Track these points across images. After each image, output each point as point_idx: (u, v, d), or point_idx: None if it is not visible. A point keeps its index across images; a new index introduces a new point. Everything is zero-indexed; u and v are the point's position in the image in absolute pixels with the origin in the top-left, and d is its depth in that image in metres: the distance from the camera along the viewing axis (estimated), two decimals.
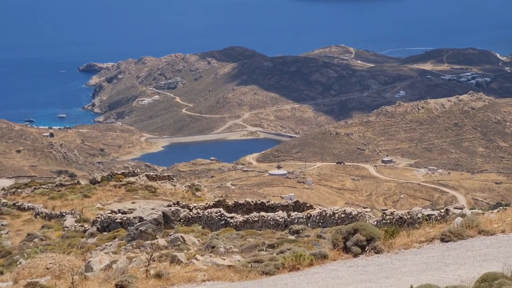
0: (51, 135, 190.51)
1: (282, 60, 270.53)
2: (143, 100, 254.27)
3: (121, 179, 46.64)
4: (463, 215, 17.80)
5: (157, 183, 48.30)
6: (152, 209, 30.70)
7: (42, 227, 34.91)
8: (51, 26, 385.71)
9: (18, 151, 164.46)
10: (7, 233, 35.62)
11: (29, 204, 40.99)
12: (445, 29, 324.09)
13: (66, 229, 33.01)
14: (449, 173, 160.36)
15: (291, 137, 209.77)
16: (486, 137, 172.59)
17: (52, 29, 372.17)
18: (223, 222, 29.85)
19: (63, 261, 20.86)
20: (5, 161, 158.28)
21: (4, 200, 42.76)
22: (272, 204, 33.94)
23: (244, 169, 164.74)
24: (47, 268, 18.67)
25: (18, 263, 23.48)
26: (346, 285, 11.71)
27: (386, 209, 30.35)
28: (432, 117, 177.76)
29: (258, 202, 34.47)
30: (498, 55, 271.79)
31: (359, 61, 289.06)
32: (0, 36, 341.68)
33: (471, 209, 25.20)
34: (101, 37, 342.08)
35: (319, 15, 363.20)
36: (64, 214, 36.95)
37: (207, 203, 34.89)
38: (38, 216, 38.45)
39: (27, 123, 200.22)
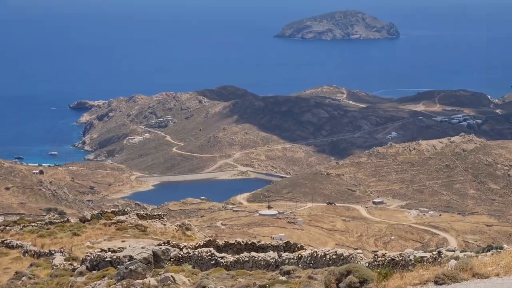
0: (41, 172, 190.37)
1: (273, 100, 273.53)
2: (134, 138, 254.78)
3: (111, 218, 46.45)
4: (456, 258, 17.92)
5: (147, 222, 48.28)
6: (142, 248, 30.80)
7: (31, 265, 34.62)
8: (43, 64, 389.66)
9: (7, 189, 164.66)
10: None
11: (18, 242, 40.75)
12: (438, 70, 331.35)
13: (55, 267, 32.79)
14: (440, 215, 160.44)
15: (281, 177, 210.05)
16: (477, 179, 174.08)
17: (43, 67, 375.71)
18: (213, 262, 29.94)
19: None
20: None
21: None
22: (262, 245, 34.19)
23: (234, 209, 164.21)
24: None
25: None
26: None
27: (377, 251, 30.71)
28: (423, 159, 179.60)
29: (249, 242, 34.54)
30: (489, 97, 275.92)
31: (351, 102, 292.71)
32: None
33: (462, 251, 25.56)
34: (92, 75, 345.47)
35: (312, 54, 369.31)
36: (53, 252, 36.81)
37: (197, 243, 34.84)
38: (26, 254, 38.23)
39: (16, 160, 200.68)
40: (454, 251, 22.73)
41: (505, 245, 25.18)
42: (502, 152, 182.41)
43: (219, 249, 33.14)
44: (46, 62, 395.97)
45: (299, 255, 28.75)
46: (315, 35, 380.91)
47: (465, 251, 25.85)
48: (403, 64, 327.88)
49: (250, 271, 27.85)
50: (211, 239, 37.76)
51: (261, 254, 29.66)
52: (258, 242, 36.13)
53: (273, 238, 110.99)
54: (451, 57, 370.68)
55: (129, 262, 28.24)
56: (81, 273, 30.59)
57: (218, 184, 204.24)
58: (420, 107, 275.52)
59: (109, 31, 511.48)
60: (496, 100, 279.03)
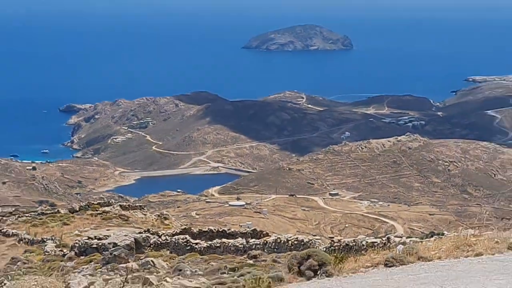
0: (34, 168, 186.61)
1: (242, 104, 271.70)
2: (117, 138, 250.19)
3: (97, 209, 46.04)
4: (403, 243, 18.75)
5: (129, 212, 47.81)
6: (125, 235, 30.81)
7: (25, 251, 34.52)
8: (35, 70, 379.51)
9: (4, 183, 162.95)
10: None
11: (13, 231, 40.31)
12: (386, 77, 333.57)
13: (46, 253, 32.73)
14: (388, 205, 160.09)
15: (249, 172, 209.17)
16: (421, 174, 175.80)
17: (36, 73, 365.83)
18: (188, 247, 29.97)
19: (45, 283, 20.62)
20: None
21: None
22: (232, 232, 34.37)
23: (207, 200, 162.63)
24: None
25: (2, 284, 23.11)
26: None
27: (333, 237, 30.96)
28: (373, 155, 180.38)
29: (220, 230, 34.80)
30: (432, 101, 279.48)
31: (310, 105, 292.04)
32: None
33: (408, 237, 26.01)
34: (81, 81, 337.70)
35: (275, 63, 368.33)
36: (45, 240, 36.54)
37: (174, 231, 34.88)
38: (21, 241, 37.92)
39: (12, 157, 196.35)
40: (401, 237, 24.75)
41: (445, 232, 26.20)
42: (443, 150, 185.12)
43: (194, 236, 33.04)
44: (39, 68, 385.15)
45: (265, 241, 29.20)
46: (278, 46, 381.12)
47: (411, 237, 26.32)
48: (356, 72, 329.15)
49: (221, 255, 27.94)
50: (187, 227, 37.80)
51: (231, 241, 29.91)
52: (228, 230, 36.52)
53: (241, 226, 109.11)
54: (399, 66, 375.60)
55: (114, 248, 27.69)
56: (70, 258, 30.20)
57: (192, 179, 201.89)
58: (370, 110, 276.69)
59: (95, 41, 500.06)
60: (438, 103, 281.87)
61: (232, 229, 36.42)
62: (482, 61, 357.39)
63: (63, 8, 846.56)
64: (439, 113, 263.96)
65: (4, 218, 45.88)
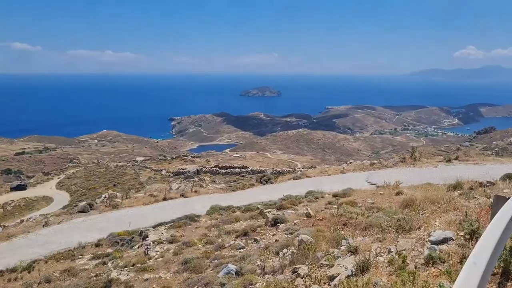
0: (157, 142, 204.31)
1: (238, 117, 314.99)
2: (190, 130, 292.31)
3: (182, 157, 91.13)
4: (300, 171, 31.46)
5: (195, 158, 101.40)
6: (193, 168, 53.69)
7: (154, 174, 54.22)
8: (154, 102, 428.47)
9: (146, 147, 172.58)
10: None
11: (148, 166, 61.12)
12: (301, 108, 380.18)
13: (162, 174, 52.12)
14: (295, 156, 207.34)
15: (241, 143, 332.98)
16: (308, 145, 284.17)
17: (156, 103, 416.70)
18: (217, 173, 47.16)
19: (162, 186, 34.69)
20: None
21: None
22: (233, 166, 52.28)
23: (224, 154, 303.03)
24: (156, 189, 32.05)
25: (147, 186, 41.44)
26: (261, 194, 22.53)
27: (273, 168, 50.53)
28: (289, 137, 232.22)
29: (229, 166, 52.12)
30: (312, 115, 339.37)
31: (267, 117, 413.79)
32: None
33: (303, 168, 38.03)
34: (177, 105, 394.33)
35: (251, 101, 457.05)
36: (161, 169, 55.55)
37: (212, 166, 53.50)
38: (152, 170, 57.01)
39: (149, 137, 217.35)
40: (301, 169, 38.20)
41: (317, 166, 39.45)
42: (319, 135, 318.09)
43: (220, 167, 59.49)
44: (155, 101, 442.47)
45: (247, 170, 47.16)
46: (252, 94, 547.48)
47: (302, 169, 38.63)
48: (283, 107, 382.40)
49: (230, 176, 45.55)
50: (217, 165, 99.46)
51: (234, 169, 49.33)
52: (231, 166, 72.44)
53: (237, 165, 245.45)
54: (309, 101, 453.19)
55: (189, 172, 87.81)
56: (172, 176, 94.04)
57: (220, 146, 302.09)
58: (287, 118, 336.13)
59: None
60: (315, 116, 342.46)
61: (234, 165, 54.53)
62: None
63: None
64: (315, 120, 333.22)
65: (146, 161, 67.86)
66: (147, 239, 16.12)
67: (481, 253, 3.35)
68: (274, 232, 13.19)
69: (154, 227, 18.59)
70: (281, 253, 10.04)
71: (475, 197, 8.91)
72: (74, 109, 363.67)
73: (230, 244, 12.98)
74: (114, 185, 52.80)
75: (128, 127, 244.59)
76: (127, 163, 72.77)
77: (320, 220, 12.62)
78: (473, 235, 5.89)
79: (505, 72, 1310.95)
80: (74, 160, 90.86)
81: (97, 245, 18.15)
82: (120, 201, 27.10)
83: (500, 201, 5.20)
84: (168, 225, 18.41)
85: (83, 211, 25.12)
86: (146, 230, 17.81)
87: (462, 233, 6.25)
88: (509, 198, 5.13)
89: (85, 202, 28.09)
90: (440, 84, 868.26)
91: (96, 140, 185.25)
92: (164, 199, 25.83)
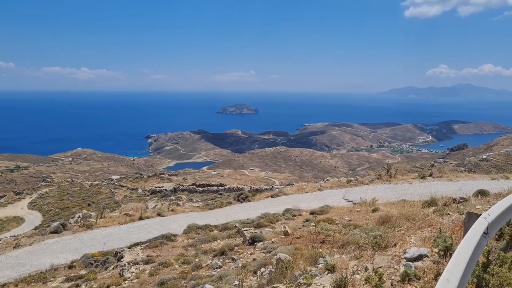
0: (133, 159, 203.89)
1: (216, 134, 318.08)
2: (167, 147, 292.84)
3: (158, 175, 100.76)
4: (278, 188, 31.79)
5: (171, 176, 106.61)
6: (169, 186, 49.14)
7: (130, 192, 52.36)
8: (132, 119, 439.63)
9: (122, 166, 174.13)
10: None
11: (124, 184, 58.69)
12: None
13: (138, 193, 50.86)
14: (272, 173, 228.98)
15: (219, 160, 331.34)
16: (286, 162, 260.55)
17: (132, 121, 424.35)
18: (194, 190, 45.90)
19: (138, 205, 34.34)
20: None
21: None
22: (211, 184, 50.28)
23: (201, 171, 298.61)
24: (132, 208, 31.32)
25: (122, 205, 40.12)
26: (238, 212, 22.61)
27: (251, 186, 48.60)
28: (267, 154, 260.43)
29: (206, 183, 50.21)
30: (289, 133, 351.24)
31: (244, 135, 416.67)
32: None
33: (278, 186, 38.65)
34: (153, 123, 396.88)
35: (227, 118, 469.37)
36: (137, 188, 54.31)
37: (189, 184, 50.71)
38: (128, 189, 55.21)
39: (125, 155, 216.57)
40: (278, 186, 40.03)
41: (295, 183, 37.82)
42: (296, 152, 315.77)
43: (197, 186, 74.99)
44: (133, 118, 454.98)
45: (224, 188, 46.06)
46: (230, 111, 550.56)
47: (281, 186, 38.85)
48: (260, 125, 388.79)
49: (208, 194, 43.43)
50: (195, 183, 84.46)
51: (211, 187, 47.08)
52: (209, 183, 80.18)
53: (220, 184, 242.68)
54: (286, 118, 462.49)
55: (165, 190, 76.82)
56: (148, 195, 74.46)
57: (198, 164, 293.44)
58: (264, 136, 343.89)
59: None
60: (293, 133, 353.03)
61: (212, 183, 52.66)
62: None
63: None
64: (292, 138, 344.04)
65: (121, 180, 66.90)
66: (122, 259, 15.81)
67: (454, 270, 3.41)
68: (252, 251, 13.12)
69: (129, 247, 18.25)
70: (258, 272, 9.98)
71: (449, 214, 9.09)
72: (48, 127, 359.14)
73: (207, 264, 12.84)
74: (89, 205, 51.81)
75: (104, 145, 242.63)
76: (102, 181, 71.62)
77: (298, 238, 12.63)
78: (447, 252, 5.99)
79: (476, 90, 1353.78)
80: (47, 179, 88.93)
81: (70, 266, 17.70)
82: (95, 220, 26.60)
83: (472, 218, 5.31)
84: (144, 245, 18.12)
85: (56, 231, 24.53)
86: (121, 250, 17.46)
87: (436, 250, 6.34)
88: (480, 215, 5.25)
89: (58, 222, 27.41)
90: (415, 101, 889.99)
91: (70, 158, 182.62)
92: (140, 218, 25.47)
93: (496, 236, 6.53)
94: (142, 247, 17.63)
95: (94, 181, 77.83)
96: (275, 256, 9.91)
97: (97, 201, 54.24)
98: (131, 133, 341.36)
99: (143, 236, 20.30)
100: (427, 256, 6.26)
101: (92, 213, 31.50)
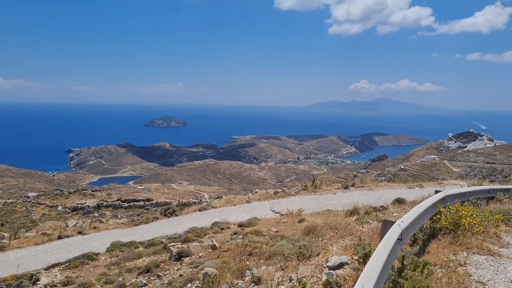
0: (53, 175, 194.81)
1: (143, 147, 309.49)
2: (90, 162, 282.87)
3: (81, 191, 69.63)
4: (206, 201, 31.85)
5: (95, 192, 65.13)
6: (93, 202, 47.79)
7: (49, 210, 49.72)
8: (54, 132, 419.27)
9: (40, 182, 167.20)
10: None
11: (43, 202, 54.49)
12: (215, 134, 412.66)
13: (58, 210, 48.42)
14: (202, 186, 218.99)
15: (146, 174, 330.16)
16: (215, 174, 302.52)
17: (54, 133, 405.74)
18: (119, 206, 44.78)
19: (57, 223, 33.83)
20: None
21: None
22: (138, 199, 50.58)
23: (127, 186, 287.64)
24: (50, 227, 31.93)
25: (40, 224, 38.80)
26: (165, 227, 22.37)
27: (179, 200, 48.91)
28: (196, 167, 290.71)
29: (132, 199, 50.92)
30: (219, 146, 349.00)
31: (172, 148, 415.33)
32: None
33: (210, 199, 37.74)
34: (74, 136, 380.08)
35: (155, 131, 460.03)
36: (57, 205, 51.26)
37: (114, 200, 50.39)
38: (47, 206, 52.29)
39: (43, 171, 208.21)
40: (207, 200, 39.93)
41: (224, 196, 38.92)
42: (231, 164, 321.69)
43: (122, 201, 50.61)
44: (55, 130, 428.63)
45: (151, 203, 47.18)
46: (158, 124, 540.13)
47: (208, 200, 39.75)
48: (189, 138, 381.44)
49: (134, 209, 44.52)
50: (120, 198, 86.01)
51: (137, 203, 46.98)
52: (135, 198, 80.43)
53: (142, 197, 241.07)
54: (215, 131, 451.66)
55: (88, 207, 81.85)
56: (69, 213, 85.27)
57: (124, 178, 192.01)
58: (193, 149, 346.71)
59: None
60: (222, 146, 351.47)
61: (138, 198, 53.35)
62: None
63: None
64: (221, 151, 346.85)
65: (39, 197, 62.12)
66: (38, 282, 14.81)
67: (369, 276, 3.55)
68: (179, 267, 12.86)
69: (46, 269, 17.15)
70: None
71: (368, 222, 9.50)
72: None
73: (132, 282, 12.39)
74: (2, 225, 48.15)
75: (20, 161, 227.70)
76: (18, 199, 67.03)
77: (226, 251, 12.58)
78: (366, 259, 6.24)
79: (394, 105, 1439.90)
80: None
81: None
82: (8, 242, 24.76)
83: (387, 225, 5.59)
84: (63, 265, 17.11)
85: None
86: (37, 273, 16.35)
87: (356, 257, 6.59)
88: (394, 222, 5.53)
89: None
90: (339, 115, 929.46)
91: None
92: (59, 237, 24.07)
93: (410, 242, 6.92)
94: (61, 268, 16.67)
95: (8, 199, 72.74)
96: (202, 271, 9.80)
97: (11, 220, 50.71)
98: (51, 147, 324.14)
99: (62, 256, 19.18)
100: (348, 264, 6.48)
101: (5, 234, 29.29)
